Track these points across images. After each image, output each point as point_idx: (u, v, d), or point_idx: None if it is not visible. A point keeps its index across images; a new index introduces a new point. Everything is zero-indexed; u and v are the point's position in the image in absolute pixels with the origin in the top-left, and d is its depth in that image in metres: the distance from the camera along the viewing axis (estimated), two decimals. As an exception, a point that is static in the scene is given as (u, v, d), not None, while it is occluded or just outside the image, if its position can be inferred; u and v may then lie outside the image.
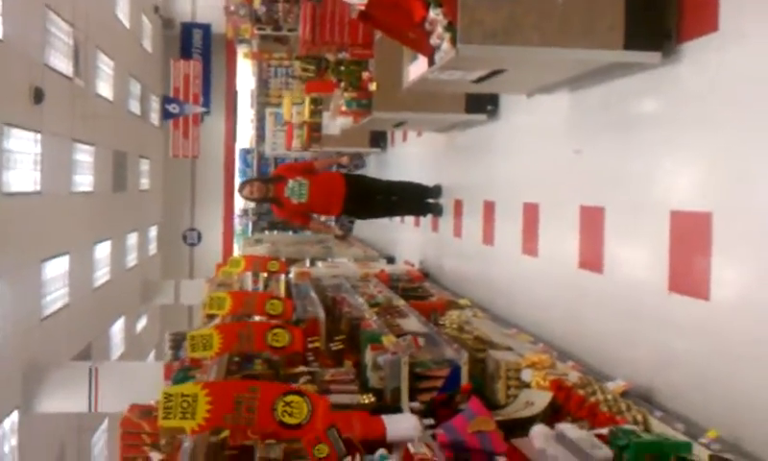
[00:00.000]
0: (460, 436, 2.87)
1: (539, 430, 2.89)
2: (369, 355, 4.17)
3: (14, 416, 11.60)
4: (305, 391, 2.77)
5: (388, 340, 4.19)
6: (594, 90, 4.17)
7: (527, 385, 3.61)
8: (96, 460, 15.37)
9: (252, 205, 19.61)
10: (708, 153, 3.20)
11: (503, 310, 5.29)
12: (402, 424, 3.09)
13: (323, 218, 8.99)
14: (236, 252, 19.82)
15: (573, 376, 3.50)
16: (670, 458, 2.60)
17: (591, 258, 4.11)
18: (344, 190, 6.82)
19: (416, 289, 6.50)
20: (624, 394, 3.28)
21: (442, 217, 7.29)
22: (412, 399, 3.62)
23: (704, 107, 3.24)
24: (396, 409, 3.49)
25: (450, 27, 3.54)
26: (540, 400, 3.38)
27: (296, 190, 6.59)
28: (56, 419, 12.57)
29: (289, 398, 2.70)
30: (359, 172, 6.79)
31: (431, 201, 7.37)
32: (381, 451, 2.86)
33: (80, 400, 11.86)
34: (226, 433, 3.12)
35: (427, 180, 7.56)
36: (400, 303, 5.53)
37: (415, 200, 7.48)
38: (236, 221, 22.21)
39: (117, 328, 18.66)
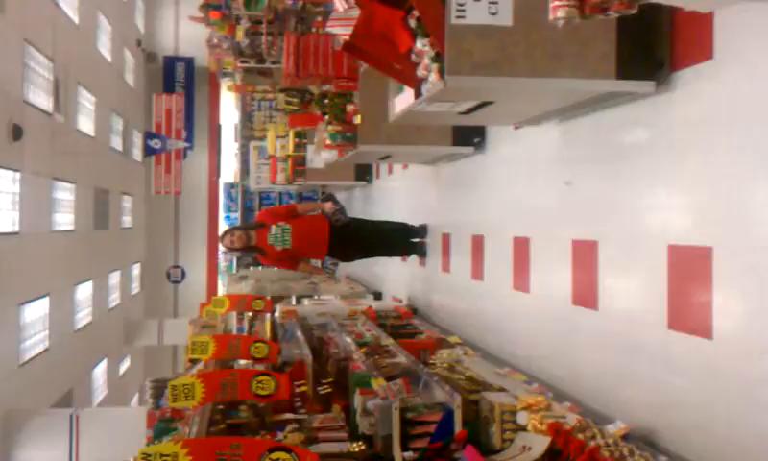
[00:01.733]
0: (456, 487, 2.72)
1: (539, 481, 2.74)
2: (358, 400, 4.01)
3: (-8, 466, 11.29)
4: (292, 447, 2.61)
5: (377, 384, 4.03)
6: (584, 121, 4.09)
7: (523, 428, 3.47)
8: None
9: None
10: (706, 184, 3.10)
11: (495, 348, 5.15)
12: (395, 477, 2.94)
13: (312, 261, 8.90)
14: (221, 288, 19.59)
15: (571, 419, 3.35)
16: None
17: (586, 294, 3.99)
18: (328, 233, 6.58)
19: (404, 326, 6.34)
20: (625, 437, 3.14)
21: (427, 255, 7.20)
22: (404, 445, 3.46)
23: (700, 136, 3.15)
24: (388, 459, 3.34)
25: (438, 58, 3.45)
26: (538, 444, 3.23)
27: (279, 237, 6.33)
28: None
29: (275, 455, 2.55)
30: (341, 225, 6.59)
31: (416, 240, 7.27)
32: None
33: (60, 449, 11.52)
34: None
35: (413, 215, 7.46)
36: (389, 341, 5.37)
37: (400, 241, 7.32)
38: (220, 257, 21.98)
39: (99, 371, 18.30)
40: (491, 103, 3.85)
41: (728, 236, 2.94)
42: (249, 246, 6.35)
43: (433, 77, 3.51)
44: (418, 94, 3.82)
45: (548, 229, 4.57)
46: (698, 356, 3.08)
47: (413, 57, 3.64)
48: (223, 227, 22.65)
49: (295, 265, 6.74)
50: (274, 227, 6.32)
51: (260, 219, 6.73)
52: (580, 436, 3.14)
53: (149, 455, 2.50)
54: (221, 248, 21.99)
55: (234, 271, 17.56)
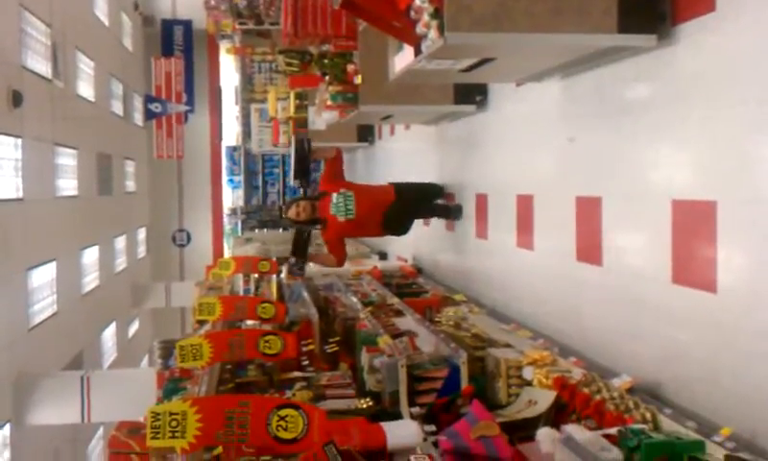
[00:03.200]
0: (463, 442, 2.77)
1: (545, 434, 2.78)
2: (365, 358, 4.06)
3: (6, 429, 11.41)
4: (300, 404, 2.65)
5: (384, 342, 4.08)
6: (586, 76, 4.06)
7: (529, 383, 3.51)
8: (92, 471, 15.20)
9: (240, 206, 19.50)
10: (709, 138, 3.09)
11: (500, 305, 5.18)
12: (403, 432, 2.99)
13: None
14: (226, 251, 19.66)
15: (577, 373, 3.39)
16: (683, 459, 2.50)
17: (590, 250, 4.00)
18: (392, 201, 5.94)
19: (410, 285, 6.40)
20: (630, 390, 3.18)
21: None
22: (411, 401, 3.51)
23: (703, 89, 3.13)
24: (395, 415, 3.39)
25: (437, 14, 3.41)
26: (544, 399, 3.28)
27: (341, 205, 5.69)
28: (49, 430, 12.36)
29: (283, 412, 2.58)
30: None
31: (449, 203, 6.67)
32: (382, 464, 2.75)
33: (72, 410, 11.65)
34: (219, 450, 3.00)
35: (417, 175, 7.44)
36: (394, 300, 5.42)
37: (435, 202, 6.71)
38: (225, 220, 22.02)
39: (109, 334, 18.44)
40: (492, 60, 3.82)
41: (731, 190, 2.94)
42: (314, 217, 5.80)
43: (432, 34, 3.48)
44: (417, 52, 3.79)
45: (552, 186, 4.57)
46: (702, 310, 3.09)
47: (412, 14, 3.61)
48: (227, 190, 22.71)
49: (343, 251, 5.96)
50: (335, 194, 5.76)
51: (323, 188, 5.99)
52: (585, 390, 3.18)
53: (158, 414, 2.53)
54: (226, 214, 22.11)
55: (240, 233, 17.62)
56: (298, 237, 5.64)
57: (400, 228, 6.22)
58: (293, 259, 5.59)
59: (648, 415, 2.90)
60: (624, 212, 3.73)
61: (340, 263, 5.96)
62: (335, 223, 5.71)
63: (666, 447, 2.57)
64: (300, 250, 5.61)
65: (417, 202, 6.27)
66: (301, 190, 6.22)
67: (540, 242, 4.71)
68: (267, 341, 4.03)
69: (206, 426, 2.55)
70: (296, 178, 5.92)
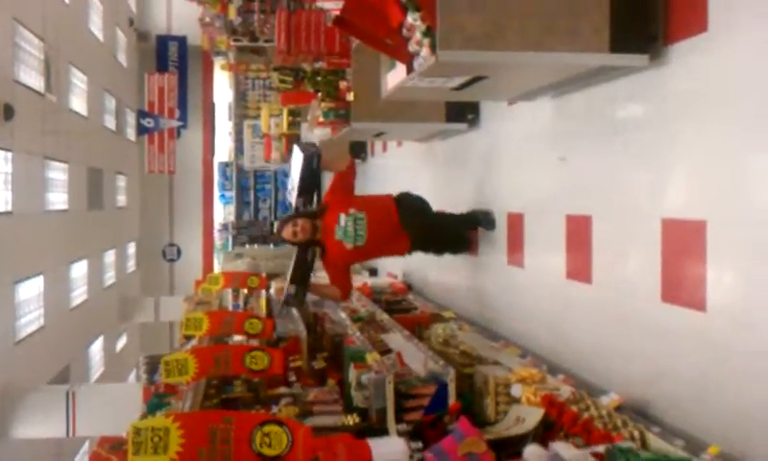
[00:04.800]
0: (450, 459, 2.73)
1: (532, 451, 2.76)
2: (352, 374, 4.03)
3: (-9, 443, 11.31)
4: (284, 420, 2.62)
5: (372, 358, 4.05)
6: (578, 96, 4.07)
7: (517, 401, 3.49)
8: (77, 486, 15.01)
9: (231, 221, 19.42)
10: (700, 157, 3.10)
11: (489, 322, 5.17)
12: (389, 448, 2.97)
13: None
14: (216, 266, 19.60)
15: (565, 391, 3.38)
16: (671, 478, 2.48)
17: (579, 268, 4.00)
18: (397, 217, 4.90)
19: (399, 302, 6.38)
20: (618, 408, 3.18)
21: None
22: (398, 419, 3.49)
23: (694, 110, 3.14)
24: (382, 431, 3.36)
25: (429, 32, 3.42)
26: (532, 416, 3.25)
27: (350, 230, 4.69)
28: (34, 444, 12.25)
29: (267, 428, 2.56)
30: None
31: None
32: (368, 481, 2.72)
33: (58, 424, 11.55)
34: (202, 466, 2.95)
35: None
36: (384, 317, 5.40)
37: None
38: (216, 235, 21.98)
39: (96, 348, 18.31)
40: (483, 78, 3.83)
41: (721, 210, 2.94)
42: (313, 239, 4.74)
43: (425, 52, 3.48)
44: (410, 70, 3.79)
45: (542, 204, 4.57)
46: (692, 329, 3.09)
47: (404, 31, 3.61)
48: (218, 205, 22.66)
49: (347, 280, 4.96)
50: (343, 215, 4.70)
51: (328, 202, 4.89)
52: (574, 408, 3.17)
53: (140, 429, 2.50)
54: (217, 229, 22.07)
55: (230, 249, 17.58)
56: (299, 263, 4.70)
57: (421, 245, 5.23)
58: (292, 289, 4.67)
59: (636, 433, 2.89)
60: (614, 231, 3.73)
61: (345, 296, 5.01)
62: (341, 250, 4.72)
63: (654, 465, 2.55)
64: (301, 278, 4.72)
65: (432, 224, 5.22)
66: (297, 206, 4.86)
67: (530, 260, 4.71)
68: (253, 357, 4.00)
69: (189, 443, 2.52)
70: (300, 196, 4.80)
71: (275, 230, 5.18)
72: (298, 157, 4.74)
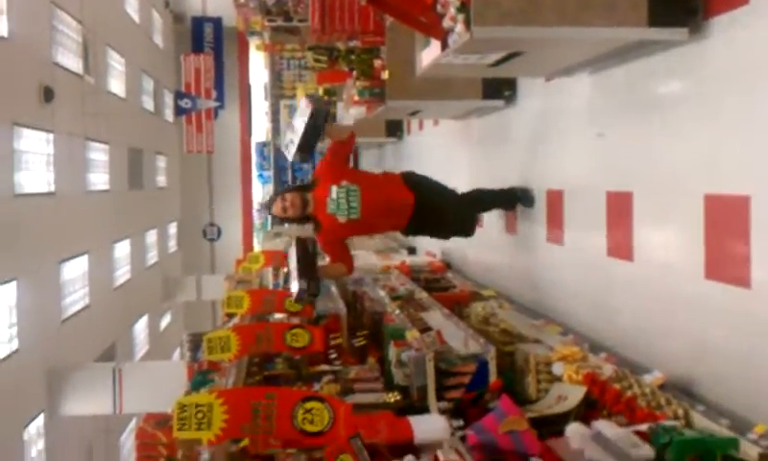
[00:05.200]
0: (491, 437, 2.75)
1: (575, 429, 2.76)
2: (392, 352, 4.05)
3: (40, 419, 11.63)
4: (325, 396, 2.65)
5: (412, 335, 4.07)
6: (617, 71, 4.01)
7: (559, 379, 3.48)
8: (125, 461, 15.41)
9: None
10: (741, 132, 3.03)
11: (529, 301, 5.14)
12: (430, 426, 2.99)
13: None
14: (256, 245, 19.80)
15: (607, 369, 3.35)
16: (716, 457, 2.45)
17: (621, 246, 3.95)
18: (413, 201, 4.71)
19: (438, 280, 6.37)
20: (662, 386, 3.13)
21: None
22: (439, 396, 3.49)
23: (736, 84, 3.07)
24: (423, 409, 3.38)
25: (464, 8, 3.38)
26: (574, 394, 3.24)
27: (342, 202, 4.48)
28: (82, 421, 12.60)
29: (309, 404, 2.59)
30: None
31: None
32: (409, 458, 2.75)
33: (104, 401, 11.86)
34: (245, 442, 3.02)
35: (445, 171, 7.40)
36: (423, 295, 5.40)
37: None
38: (255, 215, 22.18)
39: (140, 327, 18.70)
40: (519, 54, 3.78)
41: (764, 184, 2.88)
42: (305, 213, 4.58)
43: (459, 28, 3.45)
44: (444, 47, 3.76)
45: (582, 181, 4.52)
46: (736, 305, 3.04)
47: (438, 8, 3.59)
48: (256, 185, 22.84)
49: (349, 257, 4.76)
50: (335, 187, 4.49)
51: (319, 174, 4.67)
52: (616, 386, 3.14)
53: (185, 406, 2.55)
54: (255, 209, 22.13)
55: (269, 228, 17.73)
56: (302, 255, 4.39)
57: (425, 229, 5.11)
58: (303, 284, 4.30)
59: (680, 411, 2.86)
60: (656, 207, 3.67)
61: (350, 270, 4.82)
62: (334, 224, 4.52)
63: (698, 444, 2.53)
64: (309, 270, 4.37)
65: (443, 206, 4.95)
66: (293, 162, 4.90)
67: (570, 237, 4.67)
68: (294, 334, 4.05)
69: (232, 419, 2.57)
70: (300, 151, 4.40)
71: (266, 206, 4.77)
72: (305, 110, 4.33)
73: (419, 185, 4.80)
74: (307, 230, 4.98)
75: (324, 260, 4.86)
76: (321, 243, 4.69)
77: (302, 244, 4.44)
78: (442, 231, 5.30)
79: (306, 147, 4.40)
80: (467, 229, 5.28)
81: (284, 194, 4.60)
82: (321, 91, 10.78)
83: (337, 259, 4.70)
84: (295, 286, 4.32)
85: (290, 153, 4.42)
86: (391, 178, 4.87)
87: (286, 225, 16.80)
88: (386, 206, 4.64)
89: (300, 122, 4.33)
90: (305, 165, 17.22)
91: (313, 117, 4.30)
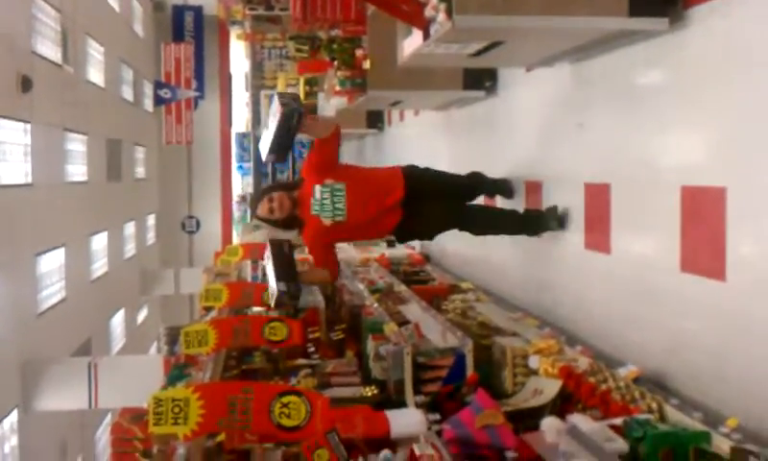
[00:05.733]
0: (467, 431, 2.74)
1: (550, 423, 2.75)
2: (370, 346, 4.04)
3: (14, 415, 11.49)
4: (302, 390, 2.63)
5: (390, 329, 4.06)
6: (597, 61, 4.01)
7: (535, 372, 3.48)
8: (100, 457, 15.25)
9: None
10: (720, 123, 3.04)
11: (507, 293, 5.15)
12: (407, 420, 2.98)
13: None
14: (235, 237, 19.69)
15: (583, 363, 3.36)
16: (689, 450, 2.46)
17: (598, 238, 3.96)
18: (402, 195, 4.31)
19: (417, 273, 6.37)
20: (636, 380, 3.14)
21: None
22: (416, 390, 3.49)
23: (715, 74, 3.07)
24: (400, 403, 3.37)
25: (445, -3, 3.36)
26: (550, 388, 3.24)
27: (326, 203, 4.15)
28: (57, 416, 12.45)
29: (286, 399, 2.57)
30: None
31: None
32: (385, 452, 2.74)
33: (80, 396, 11.74)
34: (222, 437, 2.99)
35: (427, 162, 7.37)
36: (402, 288, 5.39)
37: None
38: (235, 207, 22.05)
39: (117, 321, 18.54)
40: (500, 44, 3.77)
41: (741, 177, 2.89)
42: (293, 214, 4.22)
43: (441, 17, 3.43)
44: (426, 36, 3.75)
45: (560, 172, 4.52)
46: (711, 299, 3.05)
47: (420, -4, 3.57)
48: (236, 177, 22.70)
49: (335, 263, 4.43)
50: (318, 187, 4.16)
51: (302, 172, 4.39)
52: (591, 379, 3.15)
53: (161, 400, 2.52)
54: (235, 201, 22.02)
55: (249, 220, 17.65)
56: (278, 257, 4.05)
57: (416, 233, 4.69)
58: (282, 286, 3.96)
59: (654, 405, 2.86)
60: (632, 199, 3.68)
61: (334, 276, 4.51)
62: (318, 227, 4.20)
63: (672, 437, 2.54)
64: (288, 271, 4.03)
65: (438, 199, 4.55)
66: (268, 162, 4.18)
67: (548, 230, 4.66)
68: (272, 328, 4.02)
69: (209, 413, 2.54)
70: (272, 152, 3.94)
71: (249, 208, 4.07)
72: (276, 109, 3.87)
73: (414, 179, 4.40)
74: (285, 236, 4.53)
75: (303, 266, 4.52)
76: (306, 245, 4.48)
77: (277, 245, 4.09)
78: (432, 227, 4.71)
79: (279, 149, 3.93)
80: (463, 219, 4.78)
81: (271, 193, 4.21)
82: (301, 81, 10.73)
83: (321, 264, 4.38)
84: (273, 289, 3.97)
85: (263, 153, 3.99)
86: (391, 172, 4.44)
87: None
88: (374, 205, 4.21)
89: (272, 122, 3.90)
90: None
91: (285, 119, 3.84)
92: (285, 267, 4.02)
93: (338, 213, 4.14)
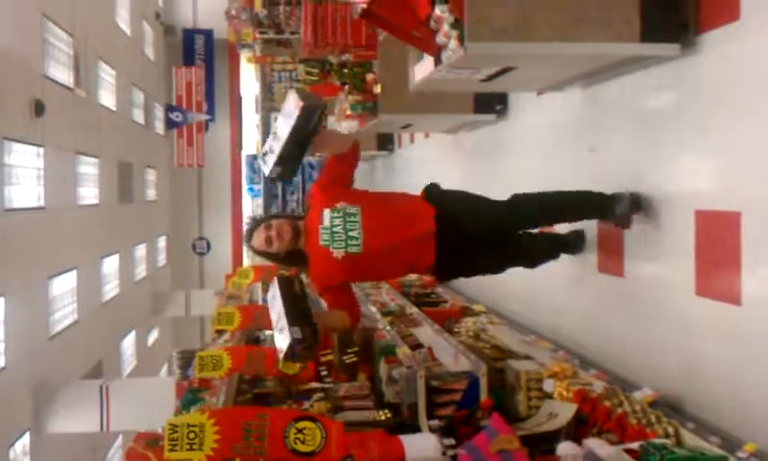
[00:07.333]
0: (482, 456, 2.73)
1: (566, 448, 2.74)
2: (383, 369, 4.04)
3: (26, 438, 11.49)
4: (318, 416, 2.64)
5: (402, 352, 4.06)
6: (608, 86, 4.02)
7: (549, 396, 3.47)
8: (111, 479, 15.27)
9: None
10: (733, 148, 3.04)
11: (520, 316, 5.13)
12: (422, 445, 2.97)
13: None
14: (246, 259, 19.72)
15: (598, 386, 3.35)
16: (707, 475, 2.45)
17: (611, 261, 3.95)
18: (433, 225, 3.44)
19: (428, 295, 6.35)
20: (652, 404, 3.13)
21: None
22: (430, 414, 3.48)
23: (727, 100, 3.08)
24: (413, 427, 3.36)
25: (457, 24, 3.39)
26: (565, 412, 3.23)
27: (337, 231, 3.31)
28: (68, 439, 12.45)
29: (301, 424, 2.58)
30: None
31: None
32: (400, 478, 2.73)
33: (91, 419, 11.73)
34: (236, 462, 2.99)
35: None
36: (414, 310, 5.39)
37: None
38: (245, 228, 22.08)
39: (128, 343, 18.57)
40: (512, 69, 3.79)
41: (756, 202, 2.89)
42: (296, 248, 3.39)
43: (453, 44, 3.46)
44: (437, 62, 3.77)
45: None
46: (727, 323, 3.04)
47: (432, 23, 3.59)
48: (246, 199, 22.77)
49: (350, 298, 3.52)
50: (328, 211, 3.34)
51: (308, 198, 3.70)
52: (607, 403, 3.14)
53: (176, 426, 2.54)
54: (245, 223, 22.03)
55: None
56: (288, 297, 3.16)
57: (456, 271, 3.79)
58: (296, 332, 3.04)
59: (671, 429, 2.85)
60: (646, 223, 3.67)
61: (356, 319, 3.56)
62: (328, 260, 3.34)
63: (689, 462, 2.52)
64: (302, 313, 3.15)
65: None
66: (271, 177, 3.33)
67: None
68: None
69: (224, 439, 2.56)
70: (279, 164, 3.22)
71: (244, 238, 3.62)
72: (293, 107, 3.14)
73: (442, 199, 3.60)
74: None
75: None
76: (314, 283, 3.55)
77: (287, 283, 3.24)
78: (486, 263, 3.95)
79: (288, 159, 3.22)
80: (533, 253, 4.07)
81: (269, 221, 3.40)
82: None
83: (337, 306, 3.48)
84: (285, 338, 3.07)
85: (267, 166, 3.26)
86: (410, 197, 3.64)
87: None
88: (396, 234, 3.35)
89: (284, 127, 3.16)
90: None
91: (304, 116, 3.12)
92: (297, 308, 3.16)
93: (352, 243, 3.29)
